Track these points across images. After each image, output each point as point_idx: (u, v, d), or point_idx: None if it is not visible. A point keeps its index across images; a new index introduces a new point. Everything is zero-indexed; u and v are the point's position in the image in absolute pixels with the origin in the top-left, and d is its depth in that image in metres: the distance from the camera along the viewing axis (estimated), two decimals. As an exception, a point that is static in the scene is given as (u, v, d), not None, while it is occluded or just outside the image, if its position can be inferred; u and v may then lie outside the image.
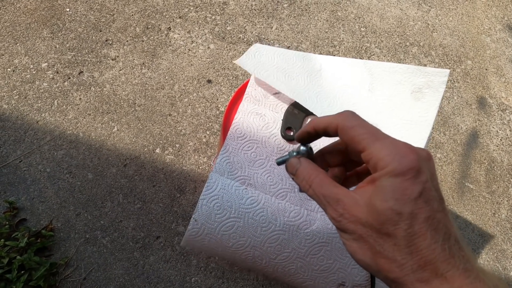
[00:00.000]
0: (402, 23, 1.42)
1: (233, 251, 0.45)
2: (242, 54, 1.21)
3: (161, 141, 0.98)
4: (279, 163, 0.28)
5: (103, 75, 1.06)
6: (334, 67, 0.58)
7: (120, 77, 1.07)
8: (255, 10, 1.31)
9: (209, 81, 1.11)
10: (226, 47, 1.20)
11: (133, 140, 0.97)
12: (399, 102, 0.54)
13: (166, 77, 1.09)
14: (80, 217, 0.85)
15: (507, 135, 1.20)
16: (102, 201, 0.88)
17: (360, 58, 1.29)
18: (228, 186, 0.45)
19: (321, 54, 1.26)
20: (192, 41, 1.19)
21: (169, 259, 0.83)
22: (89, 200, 0.87)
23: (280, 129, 0.52)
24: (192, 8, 1.27)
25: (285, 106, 0.54)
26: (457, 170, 1.11)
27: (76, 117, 0.98)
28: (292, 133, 0.52)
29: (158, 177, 0.93)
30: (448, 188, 1.07)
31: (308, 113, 0.53)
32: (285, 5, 1.35)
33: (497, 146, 1.17)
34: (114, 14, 1.19)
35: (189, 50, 1.16)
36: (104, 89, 1.04)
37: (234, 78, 1.14)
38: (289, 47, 1.26)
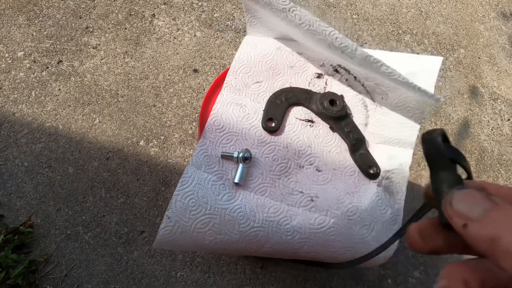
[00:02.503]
0: (395, 10, 1.39)
1: (209, 248, 0.43)
2: (230, 42, 1.17)
3: (145, 133, 0.95)
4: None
5: (84, 64, 1.02)
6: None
7: (101, 66, 1.02)
8: (244, -4, 1.26)
9: (195, 71, 1.07)
10: (213, 35, 1.16)
11: (116, 132, 0.94)
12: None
13: (150, 67, 1.05)
14: (61, 212, 0.82)
15: (498, 124, 1.19)
16: (83, 195, 0.85)
17: (352, 47, 1.26)
18: (204, 181, 0.43)
19: (311, 42, 1.23)
20: (178, 29, 1.14)
21: (154, 254, 0.81)
22: (70, 194, 0.84)
23: (261, 120, 0.49)
24: (177, -7, 1.21)
25: (267, 96, 0.51)
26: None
27: (55, 108, 0.94)
28: (273, 124, 0.49)
29: (142, 170, 0.90)
30: (438, 178, 1.06)
31: (291, 102, 0.51)
32: (275, -9, 1.30)
33: (487, 136, 1.17)
34: (94, 0, 1.13)
35: (175, 38, 1.12)
36: (85, 79, 0.99)
37: (221, 68, 1.10)
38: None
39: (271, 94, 0.51)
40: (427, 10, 1.42)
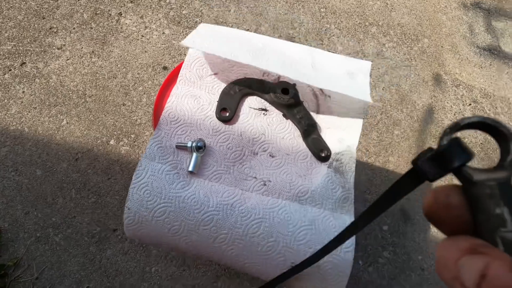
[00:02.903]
0: (362, 3, 1.43)
1: (172, 238, 0.45)
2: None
3: (115, 132, 0.94)
4: None
5: (49, 65, 1.00)
6: (277, 46, 0.57)
7: (67, 67, 1.01)
8: (212, -7, 1.27)
9: (164, 68, 1.07)
10: (182, 32, 1.16)
11: (85, 132, 0.93)
12: (340, 77, 0.54)
13: (119, 65, 1.04)
14: (29, 215, 0.81)
15: (460, 109, 1.26)
16: (53, 197, 0.84)
17: (320, 40, 1.29)
18: (158, 172, 0.44)
19: (280, 36, 1.25)
20: (146, 27, 1.13)
21: (128, 251, 0.82)
22: (38, 197, 0.83)
23: (215, 110, 0.50)
24: (144, -9, 1.20)
25: (222, 87, 0.53)
26: (414, 145, 1.15)
27: (20, 111, 0.92)
28: (227, 114, 0.51)
29: (113, 169, 0.90)
30: (405, 162, 1.11)
31: (245, 93, 0.52)
32: (243, -13, 1.32)
33: (450, 120, 1.22)
34: (58, 0, 1.11)
35: (142, 36, 1.11)
36: (50, 80, 0.98)
37: (191, 64, 1.10)
38: (248, 30, 1.23)
39: (226, 85, 0.53)
40: (392, 2, 1.46)
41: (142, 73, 1.04)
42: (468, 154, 0.15)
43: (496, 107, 1.30)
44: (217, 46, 0.51)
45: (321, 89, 0.54)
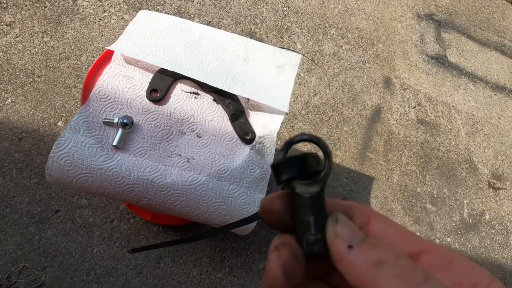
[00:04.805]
0: (324, 5, 1.50)
1: (98, 194, 0.47)
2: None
3: (64, 114, 0.93)
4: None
5: (-5, 42, 0.96)
6: (213, 37, 0.60)
7: (16, 44, 0.98)
8: (176, -18, 1.27)
9: (121, 53, 1.07)
10: (142, 18, 1.16)
11: (31, 112, 0.91)
12: (268, 72, 0.59)
13: (72, 47, 1.03)
14: (-36, 193, 0.79)
15: (405, 111, 1.36)
16: (-9, 176, 0.82)
17: (281, 37, 1.34)
18: (81, 144, 0.46)
19: (242, 31, 1.28)
20: (104, 10, 1.12)
21: (69, 232, 0.82)
22: (-25, 175, 0.81)
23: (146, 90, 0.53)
24: (105, -26, 1.19)
25: (156, 69, 0.55)
26: (360, 141, 1.23)
27: (-40, 87, 0.89)
28: (158, 95, 0.53)
29: (60, 151, 0.89)
30: (351, 157, 1.19)
31: (176, 76, 0.55)
32: (209, -21, 1.34)
33: (396, 120, 1.32)
34: (10, -25, 1.07)
35: (100, 19, 1.10)
36: (-4, 57, 0.95)
37: (150, 51, 1.11)
38: (210, 22, 1.25)
39: (159, 69, 0.55)
40: (353, 7, 1.55)
41: (97, 56, 1.03)
42: (297, 171, 0.16)
43: (437, 111, 1.42)
44: (150, 45, 0.54)
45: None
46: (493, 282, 0.14)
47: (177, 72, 0.52)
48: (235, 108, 0.55)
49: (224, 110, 0.56)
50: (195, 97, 0.56)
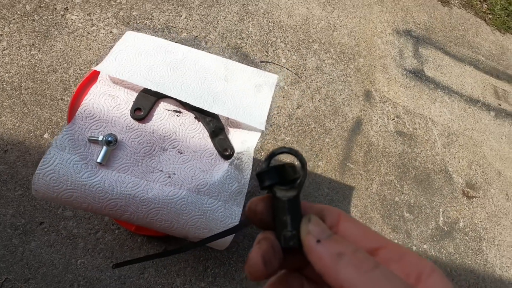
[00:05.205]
0: (307, 21, 1.56)
1: (83, 209, 0.50)
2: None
3: (50, 126, 0.95)
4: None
5: (-18, 54, 0.98)
6: (196, 58, 0.64)
7: (3, 57, 0.99)
8: (164, -3, 1.32)
9: (109, 66, 1.09)
10: (131, 32, 1.19)
11: (17, 125, 0.92)
12: (246, 91, 0.63)
13: (60, 60, 1.05)
14: None
15: (384, 123, 1.43)
16: (-25, 188, 0.83)
17: (266, 51, 1.40)
18: (66, 162, 0.49)
19: (228, 45, 1.33)
20: (93, 24, 1.15)
21: (53, 244, 0.83)
22: (-42, 188, 0.82)
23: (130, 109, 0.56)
24: (94, -11, 1.22)
25: (140, 89, 0.59)
26: (341, 152, 1.28)
27: None
28: (142, 113, 0.56)
29: (45, 162, 0.90)
30: (332, 168, 1.24)
31: (160, 95, 0.58)
32: (197, -5, 1.38)
33: (375, 132, 1.39)
34: (-1, -12, 1.08)
35: (88, 33, 1.13)
36: (-17, 69, 0.96)
37: (137, 65, 1.14)
38: (197, 36, 1.29)
39: (144, 88, 0.58)
40: (335, 23, 1.62)
41: (84, 70, 1.06)
42: (277, 178, 0.19)
43: (415, 123, 1.49)
44: (135, 66, 0.57)
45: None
46: (434, 272, 0.16)
47: (160, 92, 0.56)
48: (215, 125, 0.59)
49: (205, 127, 0.59)
50: (177, 115, 0.59)
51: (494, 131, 1.65)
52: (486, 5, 2.29)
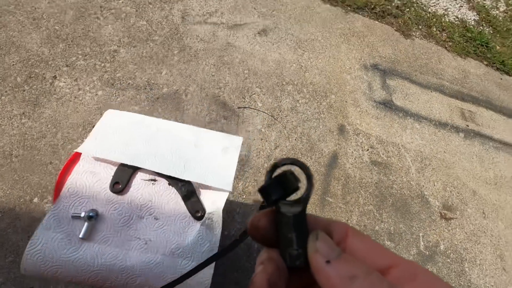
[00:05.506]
0: (280, 65, 1.70)
1: (68, 282, 0.55)
2: (131, 99, 1.31)
3: (39, 190, 1.01)
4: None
5: (-24, 127, 1.05)
6: (169, 128, 0.73)
7: (-5, 128, 1.07)
8: (146, 57, 1.44)
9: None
10: (115, 93, 1.29)
11: (8, 192, 0.98)
12: (214, 155, 0.71)
13: (49, 126, 1.13)
14: None
15: (359, 154, 1.52)
16: (-34, 259, 0.86)
17: (243, 97, 1.51)
18: (52, 240, 0.54)
19: (207, 95, 1.44)
20: (79, 89, 1.25)
21: (43, 308, 0.85)
22: (-50, 261, 0.85)
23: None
24: (80, 56, 1.34)
25: (119, 163, 0.66)
26: (320, 187, 1.36)
27: None
28: (120, 186, 0.63)
29: (35, 227, 0.95)
30: (311, 203, 1.30)
31: (136, 168, 0.66)
32: (175, 52, 1.51)
33: (352, 164, 1.47)
34: (-8, 64, 1.19)
35: (75, 97, 1.22)
36: (-24, 142, 1.03)
37: (122, 122, 1.23)
38: (177, 90, 1.40)
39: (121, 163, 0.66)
40: (306, 65, 1.76)
41: (72, 132, 1.14)
42: (282, 191, 0.18)
43: (388, 151, 1.58)
44: (113, 143, 0.66)
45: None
46: None
47: (136, 165, 0.63)
48: (187, 189, 0.66)
49: (178, 192, 0.66)
50: (152, 183, 0.66)
51: (465, 152, 1.75)
52: (445, 34, 2.50)
